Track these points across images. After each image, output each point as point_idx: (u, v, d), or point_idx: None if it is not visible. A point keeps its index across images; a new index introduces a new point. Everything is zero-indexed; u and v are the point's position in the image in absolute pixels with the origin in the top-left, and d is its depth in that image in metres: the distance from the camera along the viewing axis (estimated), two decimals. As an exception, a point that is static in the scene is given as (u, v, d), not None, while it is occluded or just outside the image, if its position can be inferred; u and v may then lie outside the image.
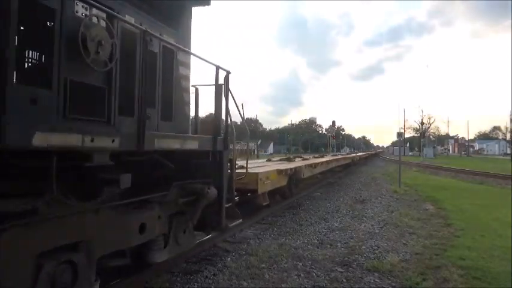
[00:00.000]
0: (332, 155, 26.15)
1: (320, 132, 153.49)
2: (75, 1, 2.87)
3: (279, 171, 9.07)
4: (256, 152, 77.46)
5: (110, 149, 2.91)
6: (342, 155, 31.50)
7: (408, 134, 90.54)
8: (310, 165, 12.41)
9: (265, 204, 8.21)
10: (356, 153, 51.87)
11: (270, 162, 13.27)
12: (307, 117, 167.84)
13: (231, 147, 5.24)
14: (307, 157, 18.08)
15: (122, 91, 3.29)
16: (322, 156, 21.46)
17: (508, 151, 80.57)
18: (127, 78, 3.38)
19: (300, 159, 15.74)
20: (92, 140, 2.66)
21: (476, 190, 15.65)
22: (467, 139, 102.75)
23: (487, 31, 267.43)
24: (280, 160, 14.37)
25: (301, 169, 10.95)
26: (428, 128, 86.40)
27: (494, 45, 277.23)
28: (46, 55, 2.86)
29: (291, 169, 9.85)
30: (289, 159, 14.26)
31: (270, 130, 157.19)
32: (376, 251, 6.08)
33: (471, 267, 5.10)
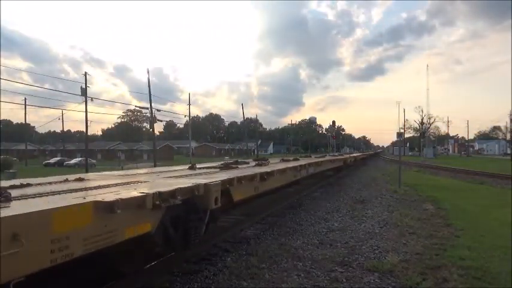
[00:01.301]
0: (316, 157, 19.79)
1: (320, 132, 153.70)
2: None
3: (102, 207, 2.97)
4: (256, 152, 77.50)
5: None
6: (332, 156, 25.84)
7: (408, 134, 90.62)
8: (250, 178, 6.23)
9: None
10: (351, 153, 44.82)
11: (171, 172, 7.12)
12: (307, 117, 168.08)
13: None
14: (264, 162, 10.29)
15: None
16: (297, 159, 13.90)
17: (508, 151, 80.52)
18: None
19: (252, 163, 10.03)
20: None
21: (476, 190, 15.65)
22: (467, 139, 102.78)
23: (487, 31, 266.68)
24: (218, 167, 8.39)
25: (211, 189, 4.53)
26: (428, 128, 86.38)
27: (495, 45, 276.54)
28: None
29: (159, 195, 3.61)
30: (228, 166, 8.35)
31: (270, 130, 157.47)
32: (376, 251, 6.08)
33: (471, 267, 5.10)
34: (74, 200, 3.14)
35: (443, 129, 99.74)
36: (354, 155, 35.66)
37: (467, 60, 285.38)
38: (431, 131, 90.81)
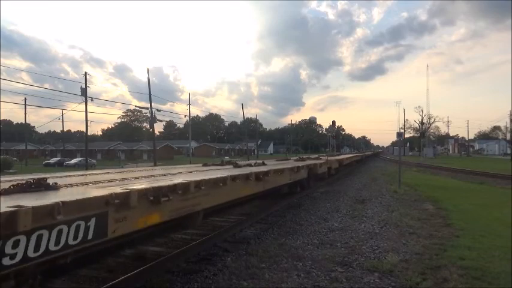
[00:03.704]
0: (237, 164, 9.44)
1: (320, 132, 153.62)
2: None
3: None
4: (256, 152, 77.52)
5: None
6: (299, 159, 15.50)
7: (408, 134, 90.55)
8: None
9: None
10: (331, 155, 28.47)
11: None
12: (307, 117, 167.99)
13: None
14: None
15: None
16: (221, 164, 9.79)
17: (508, 151, 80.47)
18: None
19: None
20: None
21: (476, 190, 15.65)
22: (467, 139, 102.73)
23: (488, 30, 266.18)
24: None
25: None
26: (428, 128, 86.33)
27: (496, 44, 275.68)
28: None
29: None
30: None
31: (270, 130, 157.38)
32: (376, 251, 6.08)
33: (471, 267, 5.10)
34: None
35: (443, 129, 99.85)
36: (340, 157, 23.73)
37: (467, 59, 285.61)
38: (431, 131, 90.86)
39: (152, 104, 37.32)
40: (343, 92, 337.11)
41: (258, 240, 6.71)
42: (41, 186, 3.57)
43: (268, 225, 7.97)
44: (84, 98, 35.18)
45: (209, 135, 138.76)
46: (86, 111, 35.72)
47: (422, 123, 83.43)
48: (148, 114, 40.22)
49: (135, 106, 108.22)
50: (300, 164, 11.51)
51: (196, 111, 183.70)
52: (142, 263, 4.98)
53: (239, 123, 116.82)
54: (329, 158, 17.47)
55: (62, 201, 2.64)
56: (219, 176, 5.37)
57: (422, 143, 75.45)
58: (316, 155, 22.86)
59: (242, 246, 6.29)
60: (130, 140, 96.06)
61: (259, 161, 11.03)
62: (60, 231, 2.65)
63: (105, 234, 3.09)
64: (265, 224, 8.18)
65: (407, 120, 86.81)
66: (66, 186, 4.06)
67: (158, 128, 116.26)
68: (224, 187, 5.40)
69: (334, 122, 69.69)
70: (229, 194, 5.83)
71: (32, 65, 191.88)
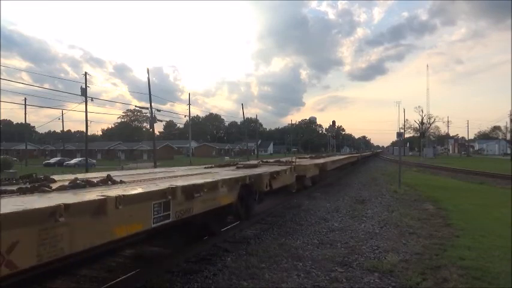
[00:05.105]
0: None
1: (320, 132, 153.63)
2: None
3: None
4: (256, 152, 77.55)
5: None
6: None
7: (408, 134, 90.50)
8: None
9: None
10: (315, 157, 19.98)
11: None
12: (307, 117, 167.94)
13: None
14: None
15: None
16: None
17: (508, 151, 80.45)
18: None
19: None
20: None
21: (476, 190, 15.65)
22: (467, 139, 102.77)
23: (489, 30, 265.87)
24: None
25: None
26: (428, 128, 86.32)
27: (496, 44, 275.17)
28: None
29: None
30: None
31: (270, 130, 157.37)
32: (376, 251, 6.08)
33: (471, 267, 5.10)
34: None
35: (443, 129, 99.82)
36: (321, 160, 16.17)
37: (468, 59, 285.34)
38: (431, 131, 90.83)
39: (152, 104, 37.35)
40: (343, 92, 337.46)
41: (258, 240, 6.72)
42: None
43: (268, 225, 7.98)
44: (84, 98, 35.16)
45: (209, 135, 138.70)
46: (86, 111, 35.73)
47: (422, 123, 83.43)
48: (148, 114, 40.26)
49: (135, 106, 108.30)
50: (211, 179, 5.17)
51: (196, 111, 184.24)
52: (142, 263, 4.98)
53: (239, 123, 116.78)
54: (302, 163, 12.16)
55: None
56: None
57: (422, 143, 75.49)
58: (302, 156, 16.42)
59: (242, 246, 6.29)
60: (130, 140, 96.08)
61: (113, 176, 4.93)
62: None
63: None
64: (265, 224, 8.18)
65: (407, 120, 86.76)
66: None
67: (158, 128, 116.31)
68: None
69: (334, 122, 69.98)
70: None
71: (32, 65, 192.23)
